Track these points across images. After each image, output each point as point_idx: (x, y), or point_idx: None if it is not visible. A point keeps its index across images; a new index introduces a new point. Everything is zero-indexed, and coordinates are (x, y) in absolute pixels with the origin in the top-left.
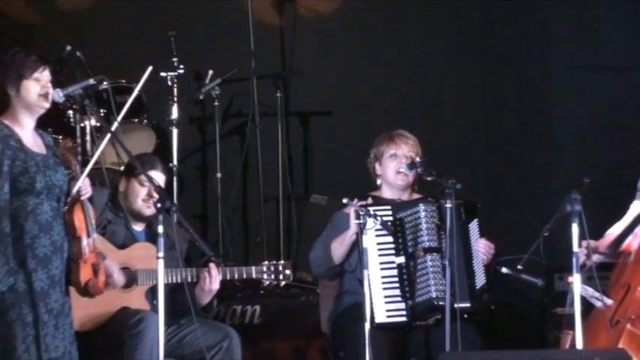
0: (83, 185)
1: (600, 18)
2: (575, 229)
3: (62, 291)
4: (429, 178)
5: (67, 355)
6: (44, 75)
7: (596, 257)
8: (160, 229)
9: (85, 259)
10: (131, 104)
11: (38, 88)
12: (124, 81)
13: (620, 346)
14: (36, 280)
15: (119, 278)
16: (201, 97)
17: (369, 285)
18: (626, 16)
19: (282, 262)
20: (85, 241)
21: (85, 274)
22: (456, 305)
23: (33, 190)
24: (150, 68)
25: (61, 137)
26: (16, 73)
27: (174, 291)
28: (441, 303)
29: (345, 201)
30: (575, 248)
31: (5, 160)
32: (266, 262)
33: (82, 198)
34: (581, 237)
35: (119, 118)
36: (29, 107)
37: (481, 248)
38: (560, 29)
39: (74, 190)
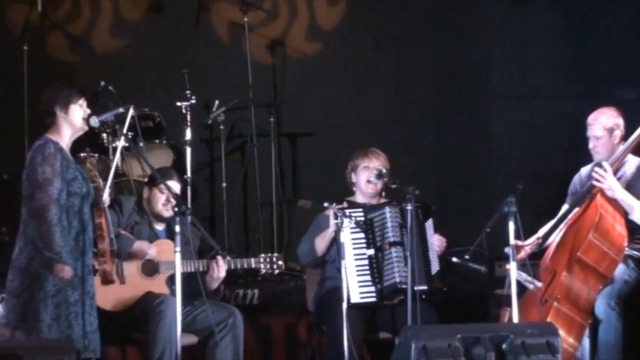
0: (106, 198)
1: (532, 51)
2: (511, 226)
3: (92, 278)
4: (393, 186)
5: (97, 330)
6: (84, 103)
7: (528, 248)
8: (177, 228)
9: (106, 252)
10: (153, 128)
11: (82, 112)
12: (147, 109)
13: (548, 320)
14: (78, 268)
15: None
16: (209, 122)
17: (346, 272)
18: (553, 50)
19: (275, 254)
20: (106, 240)
21: (109, 265)
22: (415, 288)
23: (80, 194)
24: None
25: (84, 154)
26: (65, 98)
27: (189, 278)
28: (403, 286)
29: (325, 205)
30: (512, 241)
31: (63, 167)
32: (263, 255)
33: (105, 205)
34: (516, 233)
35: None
36: (73, 127)
37: (435, 242)
38: (500, 60)
39: (104, 197)
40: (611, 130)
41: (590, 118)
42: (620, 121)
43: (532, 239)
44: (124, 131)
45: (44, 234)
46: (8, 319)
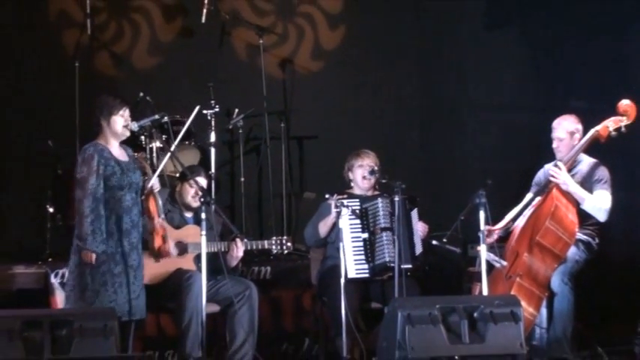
0: (154, 183)
1: (500, 68)
2: (481, 215)
3: (138, 254)
4: (383, 181)
5: (140, 297)
6: (126, 113)
7: (495, 235)
8: (203, 215)
9: (157, 231)
10: (183, 131)
11: (122, 121)
12: (178, 116)
13: (512, 293)
14: (121, 246)
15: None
16: (230, 127)
17: (344, 252)
18: (518, 68)
19: (285, 237)
20: (156, 220)
21: (157, 242)
22: (402, 266)
23: (119, 186)
24: (197, 108)
25: (137, 154)
26: (108, 111)
27: (212, 257)
28: (392, 264)
29: (327, 196)
30: (482, 227)
31: (100, 166)
32: (274, 237)
33: (154, 191)
34: (486, 220)
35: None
36: (115, 135)
37: (419, 228)
38: (474, 76)
39: (148, 186)
40: (572, 134)
41: (555, 123)
42: (580, 127)
43: (499, 225)
44: (159, 134)
45: (77, 224)
46: (67, 292)
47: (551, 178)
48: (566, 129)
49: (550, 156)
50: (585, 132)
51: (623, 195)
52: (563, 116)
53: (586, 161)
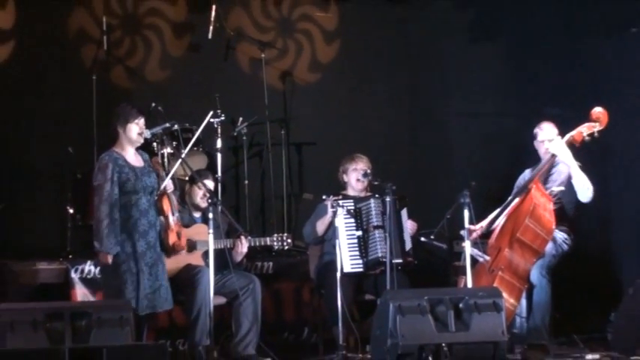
0: (168, 184)
1: (481, 79)
2: (466, 213)
3: (156, 252)
4: (375, 183)
5: (159, 290)
6: (141, 121)
7: (479, 231)
8: (210, 215)
9: (172, 229)
10: (192, 138)
11: (137, 129)
12: (187, 124)
13: (494, 285)
14: (138, 246)
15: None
16: (235, 134)
17: (339, 248)
18: (498, 78)
19: (285, 234)
20: (170, 218)
21: (172, 238)
22: (393, 261)
23: (134, 190)
24: (210, 114)
25: (152, 158)
26: (124, 119)
27: (219, 253)
28: (384, 259)
29: (324, 197)
30: (466, 225)
31: (115, 173)
32: (276, 235)
33: (167, 192)
34: (470, 218)
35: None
36: (131, 141)
37: (408, 226)
38: (458, 85)
39: (162, 187)
40: (550, 141)
41: (536, 129)
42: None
43: (482, 224)
44: (170, 141)
45: (94, 228)
46: (91, 290)
47: (551, 150)
48: (545, 135)
49: (527, 159)
50: (561, 137)
51: (597, 196)
52: (544, 123)
53: (562, 162)
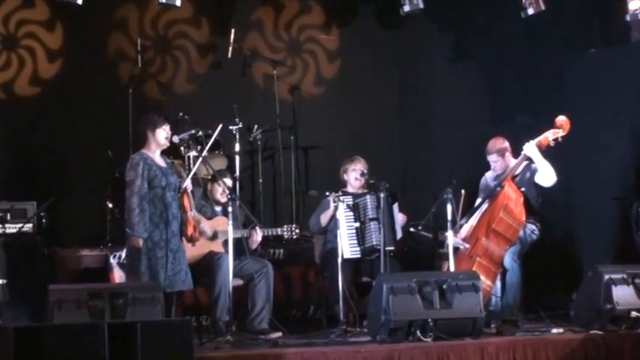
0: (188, 184)
1: (462, 92)
2: (448, 207)
3: (178, 240)
4: (371, 181)
5: (179, 273)
6: (167, 127)
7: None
8: (230, 209)
9: (190, 222)
10: (214, 143)
11: (165, 134)
12: (210, 131)
13: (473, 269)
14: (163, 234)
15: (206, 229)
16: (250, 140)
17: (340, 237)
18: (475, 91)
19: (294, 225)
20: (189, 213)
21: (190, 230)
22: (386, 248)
23: (160, 185)
24: (219, 126)
25: (175, 161)
26: (153, 125)
27: (237, 242)
28: (378, 247)
29: (327, 194)
30: (449, 218)
31: (145, 170)
32: (286, 226)
33: (188, 190)
34: (452, 212)
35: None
36: (158, 144)
37: (399, 218)
38: (441, 97)
39: (183, 186)
40: (502, 154)
41: (488, 148)
42: (507, 144)
43: (465, 229)
44: (195, 145)
45: (127, 216)
46: (124, 272)
47: (525, 152)
48: (496, 152)
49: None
50: (526, 141)
51: (560, 192)
52: (492, 141)
53: (521, 165)
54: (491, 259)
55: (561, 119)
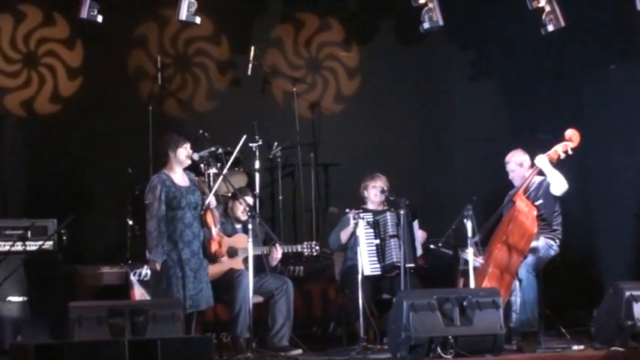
0: (211, 200)
1: (481, 109)
2: (468, 224)
3: (199, 258)
4: (391, 198)
5: (201, 292)
6: (188, 146)
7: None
8: (250, 226)
9: (214, 239)
10: (234, 160)
11: (185, 152)
12: (230, 148)
13: (487, 280)
14: (183, 254)
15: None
16: (270, 157)
17: (360, 255)
18: (495, 108)
19: (314, 242)
20: (213, 230)
21: (214, 247)
22: (406, 265)
23: (179, 207)
24: (243, 137)
25: (198, 177)
26: (174, 144)
27: (257, 259)
28: (398, 264)
29: (347, 210)
30: (469, 235)
31: (162, 193)
32: (306, 243)
33: (211, 207)
34: (472, 229)
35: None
36: (180, 163)
37: (419, 235)
38: (461, 114)
39: (206, 203)
40: (520, 165)
41: (507, 158)
42: (526, 157)
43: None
44: (215, 163)
45: (146, 239)
46: (144, 289)
47: (537, 164)
48: (515, 162)
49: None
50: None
51: (581, 211)
52: (512, 152)
53: (537, 179)
54: (505, 269)
55: (570, 132)
